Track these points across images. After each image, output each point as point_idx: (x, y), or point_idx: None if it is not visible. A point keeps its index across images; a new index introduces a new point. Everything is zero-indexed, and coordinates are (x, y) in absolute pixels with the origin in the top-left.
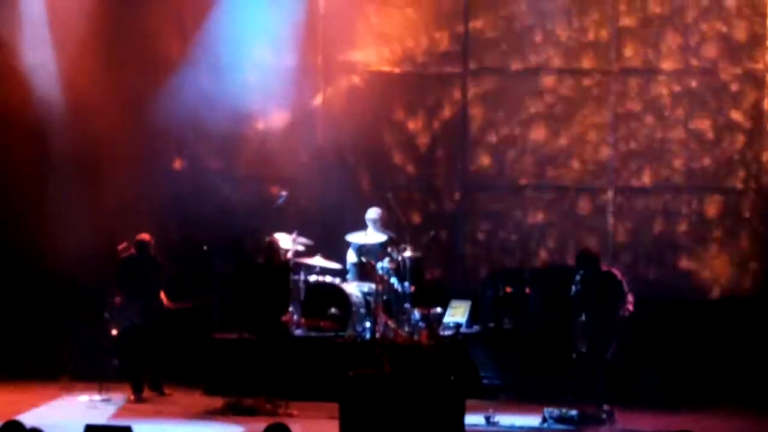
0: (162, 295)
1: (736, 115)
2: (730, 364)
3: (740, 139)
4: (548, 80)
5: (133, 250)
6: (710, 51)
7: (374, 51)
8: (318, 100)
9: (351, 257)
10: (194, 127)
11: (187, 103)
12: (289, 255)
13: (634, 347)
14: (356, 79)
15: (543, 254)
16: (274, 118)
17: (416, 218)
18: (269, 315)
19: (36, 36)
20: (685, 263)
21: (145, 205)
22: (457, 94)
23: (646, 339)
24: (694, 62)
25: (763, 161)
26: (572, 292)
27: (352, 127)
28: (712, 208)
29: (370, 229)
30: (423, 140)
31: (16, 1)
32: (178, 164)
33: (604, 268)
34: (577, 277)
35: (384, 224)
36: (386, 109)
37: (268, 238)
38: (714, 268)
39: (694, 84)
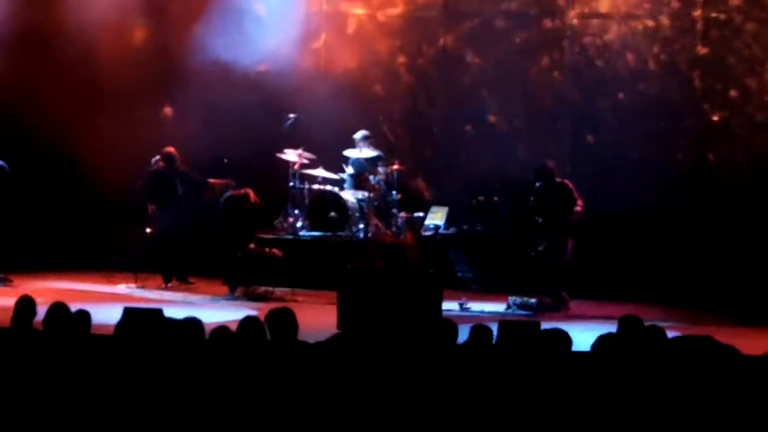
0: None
1: None
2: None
3: None
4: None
5: (161, 164)
6: None
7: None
8: (321, 41)
9: (348, 170)
10: (214, 66)
11: (207, 45)
12: (296, 167)
13: (587, 246)
14: (353, 23)
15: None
16: (284, 56)
17: (404, 137)
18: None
19: None
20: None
21: (174, 126)
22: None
23: (598, 240)
24: None
25: None
26: (531, 200)
27: (349, 62)
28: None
29: (362, 147)
30: (409, 73)
31: None
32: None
33: (558, 179)
34: (536, 187)
35: (372, 143)
36: (377, 47)
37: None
38: None
39: None
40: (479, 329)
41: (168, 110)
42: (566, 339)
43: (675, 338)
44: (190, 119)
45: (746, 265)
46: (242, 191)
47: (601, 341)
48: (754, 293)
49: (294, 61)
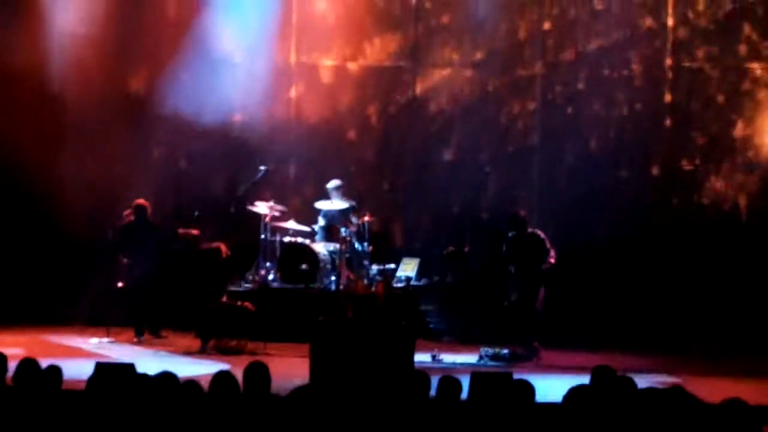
0: (181, 230)
1: None
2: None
3: None
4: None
5: (132, 217)
6: None
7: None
8: (292, 93)
9: (320, 222)
10: (185, 116)
11: (178, 94)
12: (267, 219)
13: (559, 295)
14: (323, 75)
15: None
16: (255, 108)
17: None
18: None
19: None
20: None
21: (143, 177)
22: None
23: (569, 288)
24: None
25: None
26: (504, 250)
27: (320, 115)
28: None
29: (334, 197)
30: (379, 124)
31: None
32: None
33: (530, 229)
34: (508, 236)
35: (344, 193)
36: (348, 99)
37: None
38: None
39: None
40: (448, 381)
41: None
42: (530, 389)
43: (645, 389)
44: (161, 164)
45: (715, 307)
46: (214, 245)
47: (572, 392)
48: (724, 334)
49: (266, 111)
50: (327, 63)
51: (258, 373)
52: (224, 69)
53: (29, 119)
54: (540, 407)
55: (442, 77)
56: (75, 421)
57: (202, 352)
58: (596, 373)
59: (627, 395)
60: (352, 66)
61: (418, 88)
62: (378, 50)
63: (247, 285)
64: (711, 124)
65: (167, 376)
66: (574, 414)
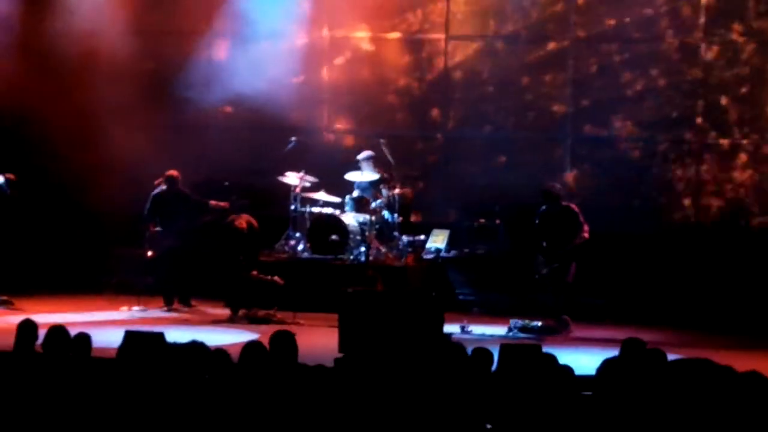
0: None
1: None
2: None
3: None
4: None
5: (164, 186)
6: None
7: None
8: (324, 70)
9: (354, 193)
10: (222, 90)
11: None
12: (297, 190)
13: (590, 270)
14: (355, 49)
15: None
16: (290, 81)
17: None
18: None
19: None
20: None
21: (178, 147)
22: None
23: (600, 264)
24: None
25: None
26: (536, 223)
27: (353, 87)
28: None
29: (365, 168)
30: (413, 95)
31: None
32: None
33: (564, 203)
34: (540, 210)
35: (375, 165)
36: (382, 70)
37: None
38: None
39: None
40: (480, 352)
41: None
42: (555, 363)
43: (674, 361)
44: (190, 139)
45: (743, 285)
46: (241, 217)
47: (606, 365)
48: (752, 314)
49: (296, 84)
50: (360, 35)
51: (285, 342)
52: (257, 44)
53: (58, 95)
54: (573, 379)
55: (475, 50)
56: (104, 389)
57: (232, 322)
58: (626, 345)
59: (657, 366)
60: (385, 38)
61: (451, 61)
62: (412, 23)
63: (277, 256)
64: (745, 98)
65: (197, 346)
66: (608, 386)
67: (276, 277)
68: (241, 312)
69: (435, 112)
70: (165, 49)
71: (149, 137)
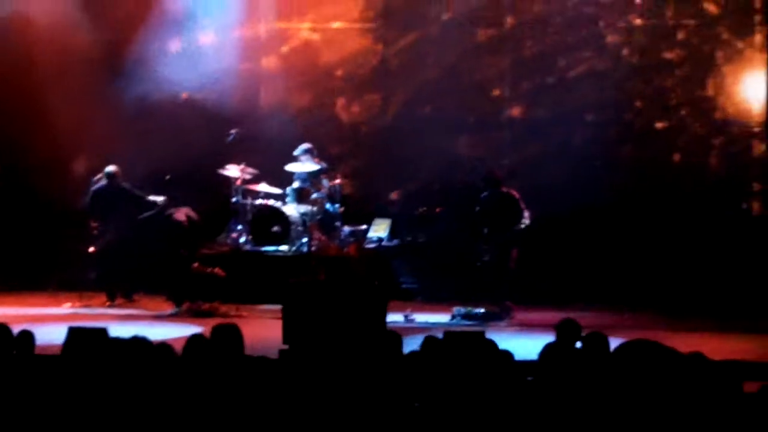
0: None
1: None
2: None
3: None
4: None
5: (103, 181)
6: None
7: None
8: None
9: (294, 184)
10: (161, 83)
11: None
12: (239, 182)
13: (532, 255)
14: (292, 42)
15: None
16: (233, 72)
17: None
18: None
19: None
20: None
21: (120, 140)
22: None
23: (543, 247)
24: None
25: None
26: (477, 210)
27: (295, 76)
28: None
29: (304, 160)
30: (350, 86)
31: None
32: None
33: (504, 189)
34: (482, 196)
35: (313, 156)
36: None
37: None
38: None
39: None
40: (430, 341)
41: None
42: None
43: (621, 344)
44: (132, 133)
45: (686, 263)
46: (180, 210)
47: (546, 350)
48: (695, 292)
49: (239, 74)
50: (302, 26)
51: (228, 335)
52: (201, 35)
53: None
54: (515, 365)
55: (413, 38)
56: (48, 386)
57: (175, 316)
58: (561, 328)
59: (597, 349)
60: (319, 32)
61: (388, 50)
62: (346, 12)
63: (220, 248)
64: (682, 82)
65: (140, 340)
66: (549, 370)
67: (217, 269)
68: (184, 306)
69: (376, 98)
70: (112, 38)
71: (93, 131)
